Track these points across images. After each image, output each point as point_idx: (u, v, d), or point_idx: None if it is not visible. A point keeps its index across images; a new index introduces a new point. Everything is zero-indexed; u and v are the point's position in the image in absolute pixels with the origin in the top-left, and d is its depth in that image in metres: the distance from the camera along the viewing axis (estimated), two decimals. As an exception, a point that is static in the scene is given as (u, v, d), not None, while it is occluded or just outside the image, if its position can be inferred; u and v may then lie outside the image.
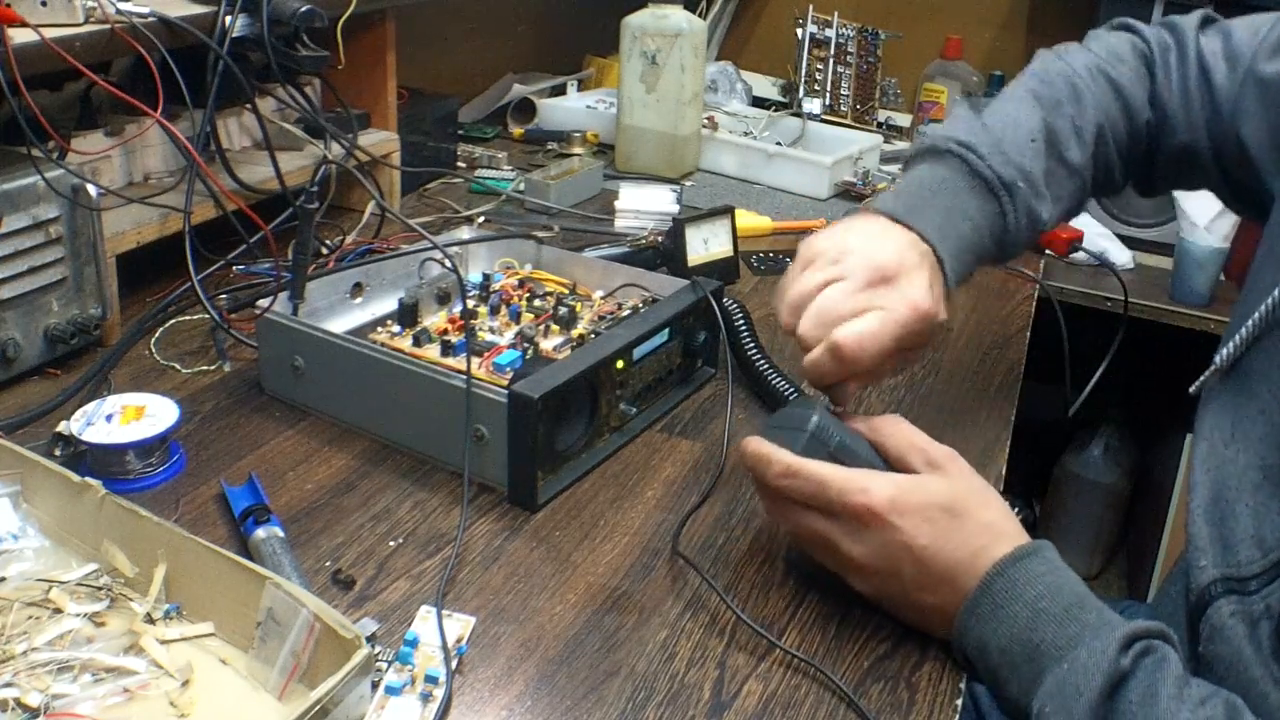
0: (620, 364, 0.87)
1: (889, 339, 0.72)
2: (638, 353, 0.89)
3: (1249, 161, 0.81)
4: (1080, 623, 0.62)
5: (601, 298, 1.03)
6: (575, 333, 0.96)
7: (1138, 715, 0.58)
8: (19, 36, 0.83)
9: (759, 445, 0.71)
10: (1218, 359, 0.71)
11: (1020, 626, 0.64)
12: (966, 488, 0.69)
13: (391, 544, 0.76)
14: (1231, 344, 0.70)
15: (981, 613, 0.65)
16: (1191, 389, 0.74)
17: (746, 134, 1.73)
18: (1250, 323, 0.68)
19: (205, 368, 0.98)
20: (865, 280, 0.73)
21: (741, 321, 1.01)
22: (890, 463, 0.71)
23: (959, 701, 0.66)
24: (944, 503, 0.67)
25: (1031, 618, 0.63)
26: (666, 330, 0.92)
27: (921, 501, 0.67)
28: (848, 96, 1.94)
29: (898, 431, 0.72)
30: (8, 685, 0.59)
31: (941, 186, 0.83)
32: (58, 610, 0.66)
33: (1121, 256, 1.73)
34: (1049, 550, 0.67)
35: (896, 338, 0.72)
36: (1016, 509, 0.80)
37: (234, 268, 1.11)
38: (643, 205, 1.40)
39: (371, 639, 0.65)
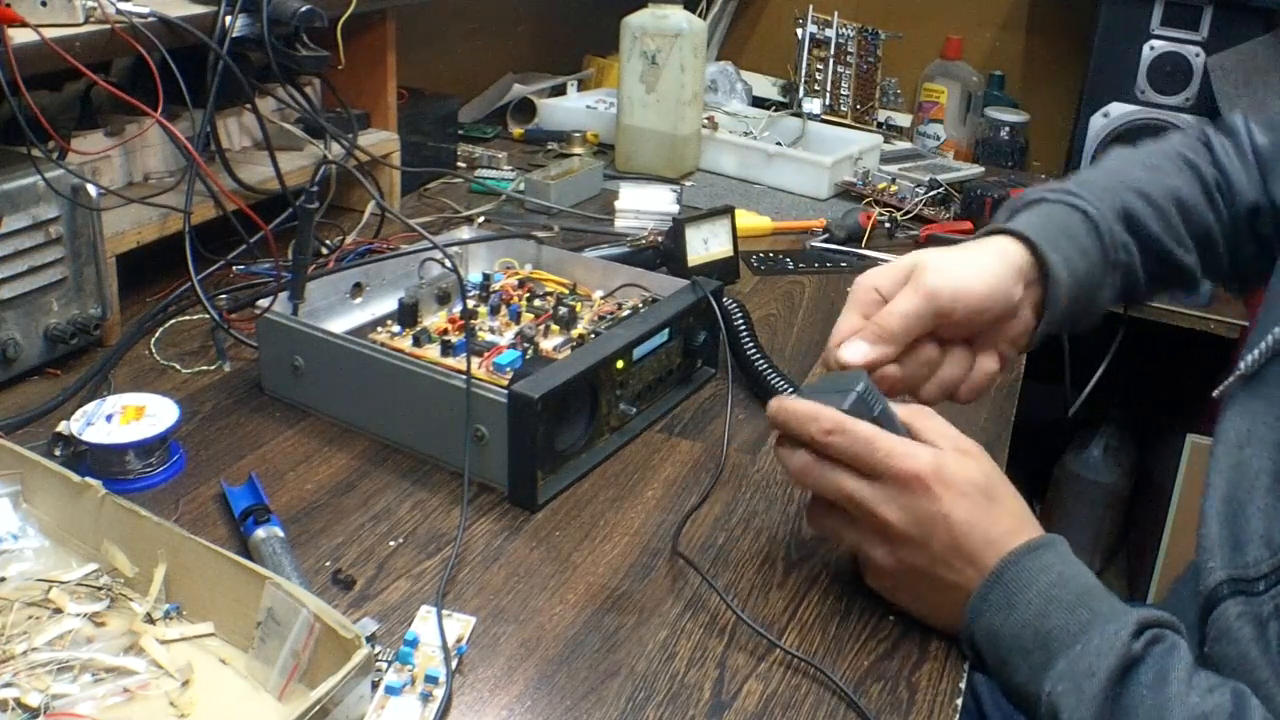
0: (620, 364, 0.87)
1: (895, 329, 0.74)
2: (638, 353, 0.89)
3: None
4: (1092, 610, 0.64)
5: (601, 298, 1.03)
6: (575, 333, 0.96)
7: (1147, 698, 0.60)
8: (19, 36, 0.83)
9: (799, 402, 0.71)
10: (1242, 365, 0.72)
11: (1033, 613, 0.65)
12: (999, 476, 0.71)
13: (391, 544, 0.76)
14: (1257, 350, 0.70)
15: (994, 600, 0.66)
16: (1215, 393, 0.74)
17: (746, 134, 1.73)
18: (1277, 329, 0.69)
19: (205, 368, 0.98)
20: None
21: (741, 321, 1.01)
22: None
23: (959, 701, 0.67)
24: (982, 484, 0.69)
25: (1044, 605, 0.65)
26: (666, 330, 0.92)
27: (964, 477, 0.68)
28: (848, 96, 1.94)
29: (931, 420, 0.72)
30: (8, 685, 0.59)
31: (1009, 209, 0.86)
32: (58, 610, 0.66)
33: (1121, 256, 1.72)
34: (1062, 544, 0.68)
35: (906, 327, 0.74)
36: None
37: (234, 268, 1.11)
38: (643, 205, 1.40)
39: (371, 639, 0.65)
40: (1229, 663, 0.65)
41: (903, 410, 0.73)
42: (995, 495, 0.69)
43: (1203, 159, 0.90)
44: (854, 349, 0.73)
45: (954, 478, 0.68)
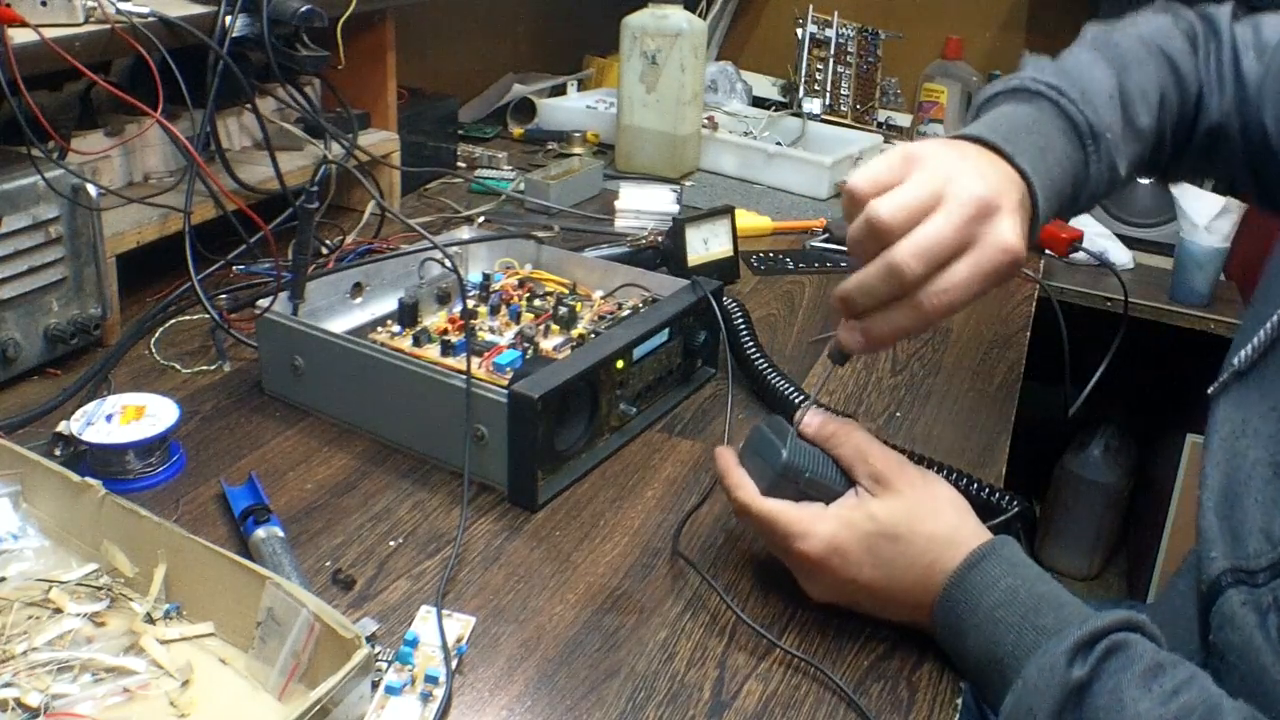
0: (620, 364, 0.87)
1: (977, 291, 0.70)
2: (638, 353, 0.89)
3: (1270, 150, 0.81)
4: (1037, 629, 0.62)
5: (601, 298, 1.03)
6: (575, 333, 0.96)
7: None
8: (19, 36, 0.83)
9: (727, 464, 0.73)
10: (1236, 361, 0.71)
11: (983, 639, 0.64)
12: (907, 505, 0.68)
13: (391, 544, 0.76)
14: (1249, 347, 0.70)
15: (946, 625, 0.67)
16: (1210, 390, 0.74)
17: (746, 134, 1.73)
18: (1269, 325, 0.69)
19: (205, 368, 0.98)
20: (967, 214, 0.68)
21: (741, 321, 1.01)
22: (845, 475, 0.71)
23: (959, 700, 0.67)
24: (881, 530, 0.68)
25: (991, 629, 0.64)
26: (666, 330, 0.92)
27: (859, 536, 0.68)
28: (848, 96, 1.94)
29: (849, 442, 0.71)
30: (8, 685, 0.59)
31: (1034, 126, 0.79)
32: (58, 610, 0.66)
33: (1121, 256, 1.73)
34: (1005, 548, 0.67)
35: (984, 287, 0.70)
36: (1014, 501, 0.80)
37: (234, 268, 1.11)
38: (643, 205, 1.40)
39: (371, 639, 0.65)
40: (1234, 649, 0.64)
41: (824, 432, 0.71)
42: (903, 534, 0.67)
43: (1189, 64, 0.87)
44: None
45: (848, 543, 0.68)
